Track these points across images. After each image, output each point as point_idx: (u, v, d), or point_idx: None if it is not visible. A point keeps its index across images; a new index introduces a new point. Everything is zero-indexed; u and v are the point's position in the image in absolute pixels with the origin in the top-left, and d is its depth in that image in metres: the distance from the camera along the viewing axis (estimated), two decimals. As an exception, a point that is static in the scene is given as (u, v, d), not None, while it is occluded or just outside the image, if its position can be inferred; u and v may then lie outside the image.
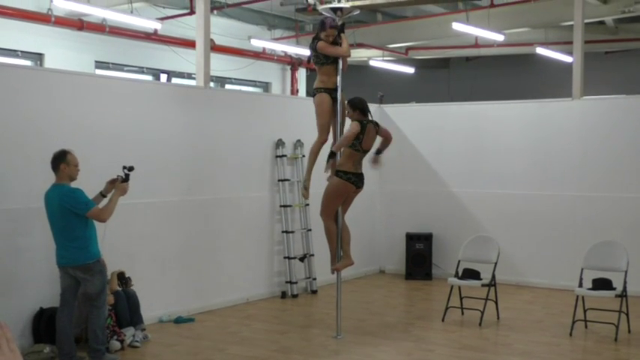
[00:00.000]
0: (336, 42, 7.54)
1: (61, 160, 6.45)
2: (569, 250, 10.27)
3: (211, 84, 10.15)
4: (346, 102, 7.58)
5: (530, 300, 9.94)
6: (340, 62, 7.58)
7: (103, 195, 6.78)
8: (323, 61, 7.56)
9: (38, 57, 11.43)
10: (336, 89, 7.60)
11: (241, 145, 9.61)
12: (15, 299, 7.07)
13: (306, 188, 7.86)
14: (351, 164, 7.44)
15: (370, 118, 7.56)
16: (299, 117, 10.33)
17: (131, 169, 6.77)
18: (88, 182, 7.71)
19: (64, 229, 6.39)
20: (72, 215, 6.35)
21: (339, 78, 7.59)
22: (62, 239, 6.43)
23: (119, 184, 6.68)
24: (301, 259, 10.20)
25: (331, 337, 7.78)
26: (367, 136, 7.38)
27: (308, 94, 15.51)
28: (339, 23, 7.53)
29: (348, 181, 7.43)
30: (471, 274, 8.64)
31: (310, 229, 10.28)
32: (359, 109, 7.50)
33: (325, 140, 7.66)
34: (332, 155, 7.44)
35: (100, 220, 6.54)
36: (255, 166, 9.86)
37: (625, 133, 10.26)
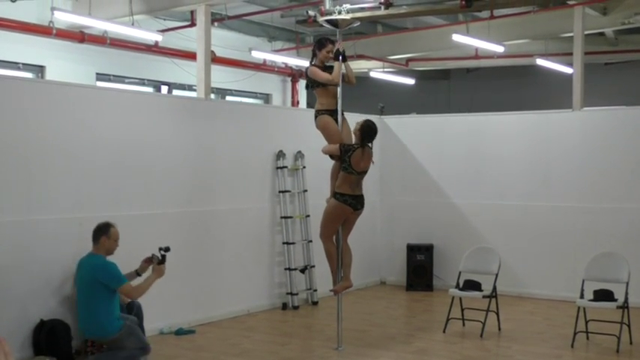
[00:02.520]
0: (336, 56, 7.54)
1: (103, 232, 6.43)
2: (570, 262, 10.26)
3: (212, 95, 10.17)
4: (363, 120, 7.50)
5: (532, 311, 9.93)
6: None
7: (138, 274, 6.73)
8: (317, 83, 7.53)
9: (39, 69, 11.45)
10: (336, 111, 7.55)
11: (242, 157, 9.61)
12: (15, 311, 7.04)
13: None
14: (348, 186, 7.39)
15: (369, 145, 7.48)
16: (300, 128, 10.34)
17: (167, 249, 6.68)
18: (89, 194, 7.73)
19: (89, 299, 6.33)
20: (101, 288, 6.29)
21: (339, 97, 7.53)
22: (84, 309, 6.38)
23: (156, 265, 6.61)
24: (302, 271, 10.18)
25: (332, 349, 7.76)
26: (355, 160, 7.32)
27: (309, 105, 15.52)
28: (341, 50, 7.45)
29: (344, 203, 7.38)
30: (472, 285, 8.63)
31: (311, 241, 10.27)
32: (361, 132, 7.40)
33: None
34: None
35: (130, 297, 6.55)
36: (256, 177, 9.86)
37: (625, 144, 10.26)
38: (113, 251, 6.52)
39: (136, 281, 6.59)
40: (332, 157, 7.59)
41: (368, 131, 7.42)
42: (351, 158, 7.29)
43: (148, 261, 6.68)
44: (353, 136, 7.56)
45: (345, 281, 7.67)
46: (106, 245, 6.41)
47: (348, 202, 7.39)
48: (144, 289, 6.46)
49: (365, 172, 7.50)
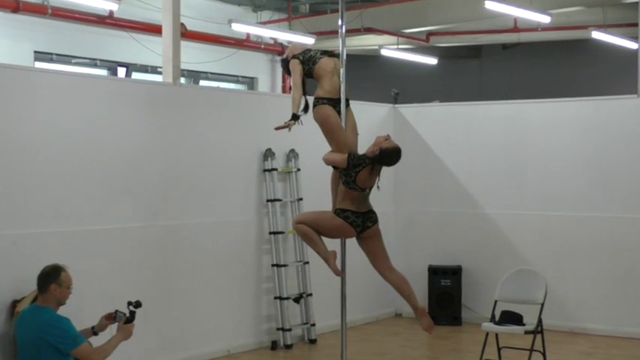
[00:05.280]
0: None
1: (52, 279, 6.31)
2: (636, 288, 10.23)
3: (182, 80, 10.15)
4: (391, 143, 7.36)
5: (588, 351, 9.92)
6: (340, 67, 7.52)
7: (94, 332, 6.66)
8: (312, 62, 7.52)
9: (-37, 47, 11.46)
10: (339, 100, 7.50)
11: (220, 157, 9.60)
12: None
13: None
14: (350, 202, 7.29)
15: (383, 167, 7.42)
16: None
17: (138, 305, 6.58)
18: (25, 205, 7.68)
19: None
20: (51, 350, 6.17)
21: (342, 83, 7.49)
22: None
23: (123, 324, 6.52)
24: (296, 300, 10.14)
25: (335, 400, 7.73)
26: (361, 177, 7.24)
27: (304, 92, 15.52)
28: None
29: (345, 220, 7.27)
30: (512, 317, 8.60)
31: (307, 262, 10.26)
32: (381, 155, 7.24)
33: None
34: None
35: None
36: (238, 182, 9.85)
37: None
38: (65, 301, 6.42)
39: (93, 341, 6.49)
40: (335, 167, 7.52)
41: (388, 158, 7.26)
42: (358, 174, 7.21)
43: (110, 318, 6.59)
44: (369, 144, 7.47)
45: (420, 311, 7.51)
46: (56, 295, 6.31)
47: (350, 219, 7.28)
48: (107, 353, 6.35)
49: (367, 188, 7.42)
